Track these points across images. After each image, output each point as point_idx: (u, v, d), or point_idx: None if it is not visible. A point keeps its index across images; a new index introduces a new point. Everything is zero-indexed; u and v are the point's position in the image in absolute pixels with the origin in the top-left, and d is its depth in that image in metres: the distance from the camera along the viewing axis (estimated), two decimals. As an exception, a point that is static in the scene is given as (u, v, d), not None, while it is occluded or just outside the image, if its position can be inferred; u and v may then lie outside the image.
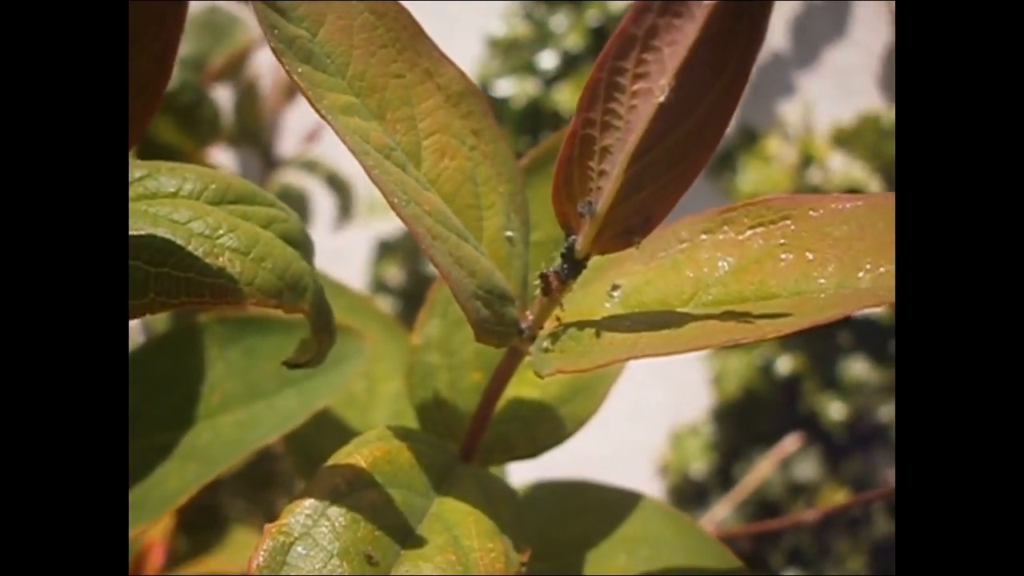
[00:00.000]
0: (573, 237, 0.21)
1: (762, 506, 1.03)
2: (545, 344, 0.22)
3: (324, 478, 0.22)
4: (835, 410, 1.05)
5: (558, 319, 0.23)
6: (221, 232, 0.22)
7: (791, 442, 0.96)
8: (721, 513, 0.98)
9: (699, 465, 1.06)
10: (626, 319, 0.21)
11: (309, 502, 0.22)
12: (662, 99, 0.17)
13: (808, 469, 1.03)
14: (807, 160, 1.12)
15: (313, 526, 0.21)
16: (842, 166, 1.11)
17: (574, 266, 0.21)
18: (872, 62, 1.11)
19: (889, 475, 1.04)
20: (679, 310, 0.22)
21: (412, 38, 0.24)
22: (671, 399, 1.07)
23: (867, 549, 1.00)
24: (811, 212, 0.22)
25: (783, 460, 0.99)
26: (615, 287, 0.23)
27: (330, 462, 0.23)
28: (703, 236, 0.23)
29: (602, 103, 0.18)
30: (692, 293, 0.22)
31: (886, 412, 1.05)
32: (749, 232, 0.22)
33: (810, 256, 0.21)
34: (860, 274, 0.20)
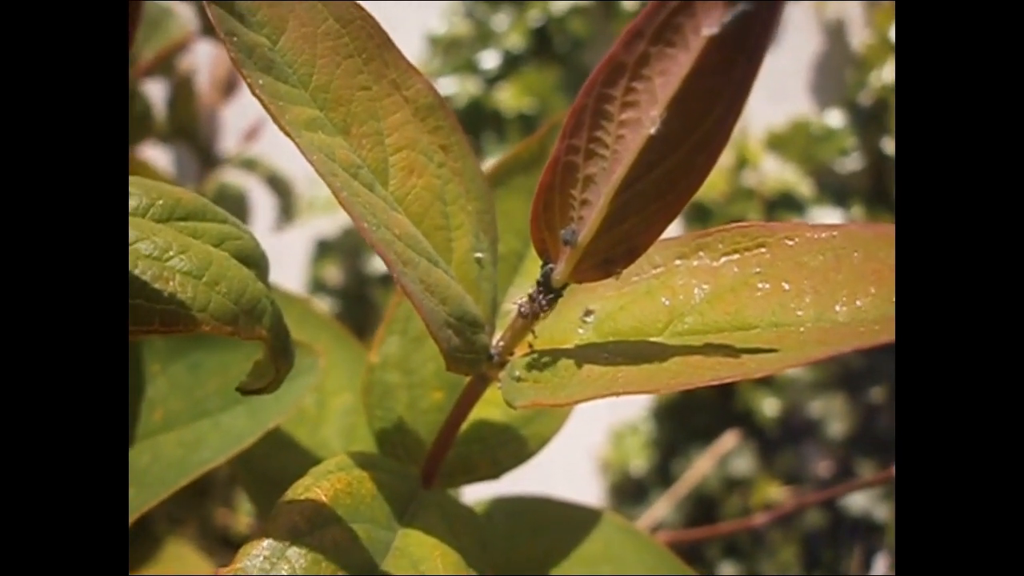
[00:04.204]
0: (551, 266, 0.20)
1: (699, 500, 1.05)
2: (518, 373, 0.21)
3: (282, 515, 0.21)
4: (768, 406, 1.08)
5: (530, 345, 0.22)
6: (171, 253, 0.20)
7: (729, 439, 0.98)
8: (661, 509, 0.99)
9: (639, 462, 1.08)
10: (604, 349, 0.21)
11: (267, 543, 0.20)
12: (653, 131, 0.17)
13: (743, 464, 1.06)
14: (742, 162, 1.14)
15: (271, 569, 0.20)
16: (775, 169, 1.13)
17: (551, 295, 0.21)
18: (802, 68, 1.14)
19: (818, 467, 1.07)
20: (655, 339, 0.21)
21: (379, 48, 0.22)
22: (611, 398, 1.08)
23: (798, 539, 1.04)
24: (786, 240, 0.22)
25: (720, 456, 1.01)
26: (588, 312, 0.23)
27: (288, 496, 0.22)
28: (677, 262, 0.22)
29: (587, 130, 0.18)
30: (667, 321, 0.22)
31: (816, 407, 1.08)
32: (724, 259, 0.22)
33: (786, 286, 0.21)
34: (837, 307, 0.20)
